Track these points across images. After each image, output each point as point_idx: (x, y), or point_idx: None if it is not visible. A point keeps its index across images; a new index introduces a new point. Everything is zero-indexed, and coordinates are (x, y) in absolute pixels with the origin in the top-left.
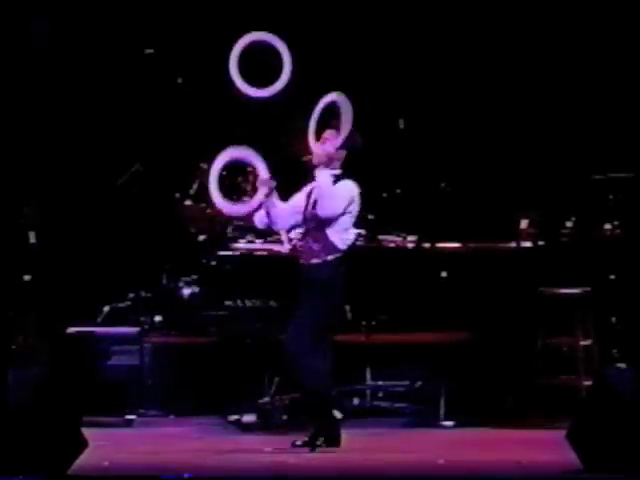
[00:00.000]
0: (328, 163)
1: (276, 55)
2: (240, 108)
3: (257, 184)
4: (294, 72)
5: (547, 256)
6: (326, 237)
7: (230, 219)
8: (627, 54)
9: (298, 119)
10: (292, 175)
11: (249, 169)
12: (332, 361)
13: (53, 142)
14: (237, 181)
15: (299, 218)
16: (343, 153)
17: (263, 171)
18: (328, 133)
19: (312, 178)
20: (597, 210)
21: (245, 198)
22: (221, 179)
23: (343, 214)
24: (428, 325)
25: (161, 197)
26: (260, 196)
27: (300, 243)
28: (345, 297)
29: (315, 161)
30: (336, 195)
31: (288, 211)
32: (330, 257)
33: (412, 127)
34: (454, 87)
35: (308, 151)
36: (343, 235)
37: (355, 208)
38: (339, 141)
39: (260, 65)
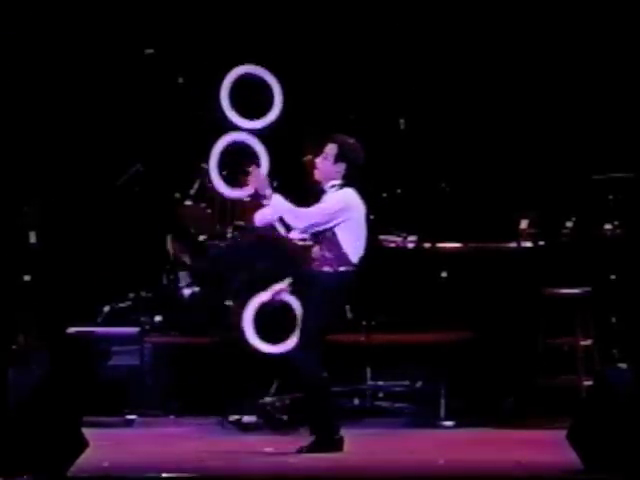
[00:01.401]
0: (329, 176)
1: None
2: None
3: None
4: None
5: (547, 256)
6: (339, 246)
7: (231, 219)
8: (627, 54)
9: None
10: (296, 184)
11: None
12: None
13: (53, 142)
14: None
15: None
16: (342, 166)
17: (264, 159)
18: (327, 148)
19: (318, 189)
20: (597, 210)
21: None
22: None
23: (337, 223)
24: (428, 325)
25: (161, 197)
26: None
27: (315, 249)
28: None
29: (317, 176)
30: (313, 210)
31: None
32: (342, 268)
33: (413, 127)
34: (454, 87)
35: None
36: (356, 245)
37: (355, 214)
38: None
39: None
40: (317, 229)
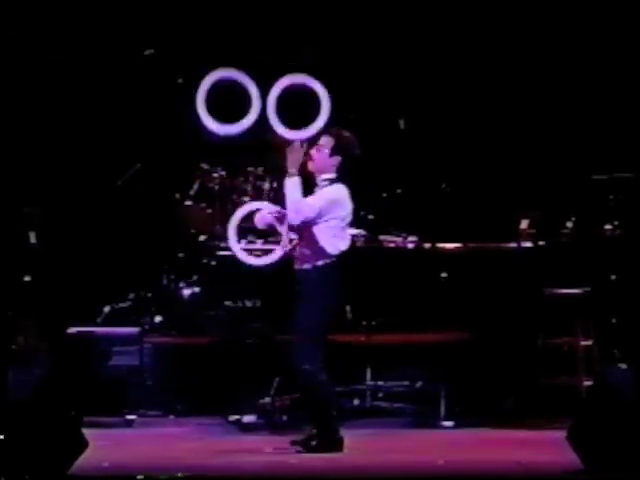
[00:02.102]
0: (323, 169)
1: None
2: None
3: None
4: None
5: (547, 256)
6: (316, 242)
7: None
8: (627, 54)
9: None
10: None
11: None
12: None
13: (54, 142)
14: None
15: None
16: (338, 159)
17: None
18: (323, 140)
19: (313, 184)
20: (597, 210)
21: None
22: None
23: (326, 219)
24: (428, 325)
25: (161, 197)
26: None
27: (296, 247)
28: (342, 299)
29: (311, 168)
30: (307, 203)
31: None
32: (320, 262)
33: (413, 127)
34: (455, 88)
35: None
36: (333, 240)
37: (341, 212)
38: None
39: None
40: (306, 223)
